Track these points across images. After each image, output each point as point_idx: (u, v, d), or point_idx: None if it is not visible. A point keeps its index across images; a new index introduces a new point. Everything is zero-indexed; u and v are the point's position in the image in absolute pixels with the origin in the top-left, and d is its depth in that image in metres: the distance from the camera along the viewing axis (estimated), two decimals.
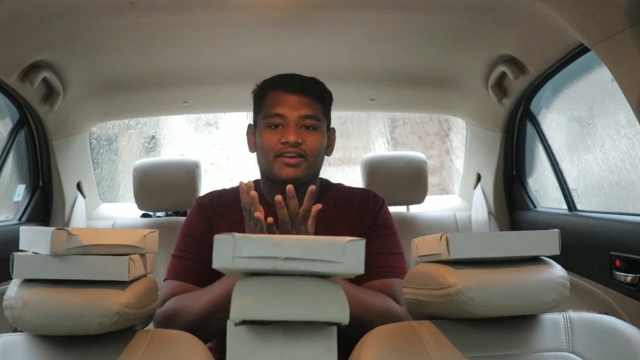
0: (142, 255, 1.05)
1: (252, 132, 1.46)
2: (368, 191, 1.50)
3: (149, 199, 2.19)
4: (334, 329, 0.86)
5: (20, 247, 1.04)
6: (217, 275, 1.39)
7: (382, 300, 1.30)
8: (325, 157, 1.47)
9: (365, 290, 1.30)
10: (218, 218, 1.44)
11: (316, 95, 1.39)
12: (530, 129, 2.08)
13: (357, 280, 1.37)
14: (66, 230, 0.96)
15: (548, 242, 1.00)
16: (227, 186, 1.58)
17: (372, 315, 1.23)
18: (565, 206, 1.92)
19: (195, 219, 1.45)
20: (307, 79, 1.42)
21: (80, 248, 0.96)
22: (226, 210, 1.45)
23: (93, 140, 2.55)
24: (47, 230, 0.96)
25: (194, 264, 1.39)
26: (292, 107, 1.36)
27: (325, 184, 1.52)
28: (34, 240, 1.01)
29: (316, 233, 1.36)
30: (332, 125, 1.50)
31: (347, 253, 0.84)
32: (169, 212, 2.39)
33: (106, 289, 0.96)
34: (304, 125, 1.36)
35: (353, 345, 1.06)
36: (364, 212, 1.43)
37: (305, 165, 1.36)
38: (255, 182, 1.52)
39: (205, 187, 2.26)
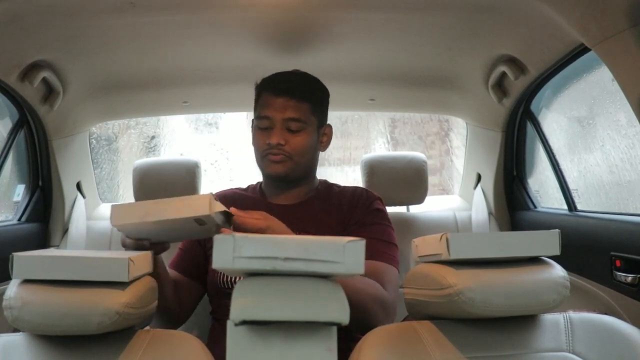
0: (142, 255, 1.06)
1: None
2: (362, 188, 1.57)
3: (149, 199, 2.18)
4: (334, 329, 0.86)
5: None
6: (203, 264, 1.50)
7: (373, 287, 1.31)
8: (326, 154, 1.51)
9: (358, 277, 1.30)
10: None
11: (303, 95, 1.44)
12: (530, 129, 2.07)
13: None
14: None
15: (548, 242, 1.00)
16: (228, 186, 1.63)
17: (363, 301, 1.24)
18: (565, 206, 1.92)
19: None
20: (297, 78, 1.48)
21: None
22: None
23: (93, 140, 2.55)
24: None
25: (183, 254, 1.51)
26: (277, 110, 1.43)
27: (322, 184, 1.58)
28: None
29: (307, 229, 1.39)
30: (330, 123, 1.54)
31: (347, 253, 0.84)
32: None
33: (106, 289, 0.96)
34: (288, 127, 1.43)
35: (353, 345, 1.06)
36: (356, 204, 1.49)
37: (290, 163, 1.44)
38: (258, 183, 1.61)
39: (206, 187, 2.25)
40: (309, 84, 1.49)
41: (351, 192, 1.53)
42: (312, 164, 1.52)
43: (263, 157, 1.46)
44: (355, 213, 1.47)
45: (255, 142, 1.48)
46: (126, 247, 1.20)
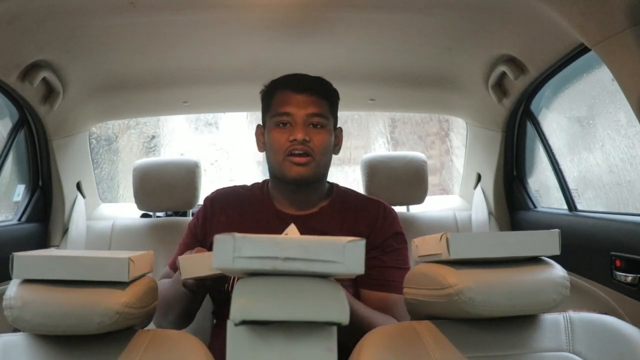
0: (142, 255, 1.06)
1: (261, 132, 1.50)
2: (379, 203, 1.48)
3: (148, 199, 2.19)
4: (334, 329, 0.86)
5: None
6: None
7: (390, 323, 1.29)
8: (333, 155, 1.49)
9: (375, 312, 1.31)
10: (218, 213, 1.49)
11: (322, 93, 1.43)
12: (530, 128, 2.07)
13: (360, 287, 1.38)
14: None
15: (548, 242, 1.00)
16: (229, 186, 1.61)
17: None
18: (565, 206, 1.92)
19: (197, 214, 1.53)
20: (313, 78, 1.46)
21: None
22: (225, 206, 1.49)
23: (93, 140, 2.55)
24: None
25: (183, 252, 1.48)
26: (299, 106, 1.39)
27: (334, 188, 1.52)
28: None
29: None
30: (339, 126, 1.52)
31: (347, 253, 0.84)
32: (169, 212, 2.39)
33: (106, 289, 0.96)
34: (311, 124, 1.39)
35: (353, 345, 1.06)
36: (374, 225, 1.42)
37: (313, 164, 1.39)
38: (264, 182, 1.56)
39: (205, 187, 2.25)
40: (325, 84, 1.47)
41: (369, 210, 1.45)
42: (328, 166, 1.46)
43: (285, 157, 1.38)
44: (376, 236, 1.41)
45: (274, 142, 1.39)
46: (188, 287, 1.20)
